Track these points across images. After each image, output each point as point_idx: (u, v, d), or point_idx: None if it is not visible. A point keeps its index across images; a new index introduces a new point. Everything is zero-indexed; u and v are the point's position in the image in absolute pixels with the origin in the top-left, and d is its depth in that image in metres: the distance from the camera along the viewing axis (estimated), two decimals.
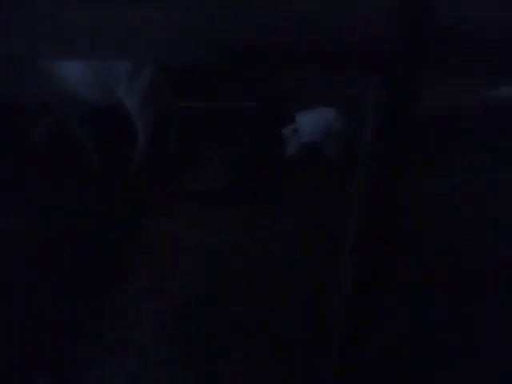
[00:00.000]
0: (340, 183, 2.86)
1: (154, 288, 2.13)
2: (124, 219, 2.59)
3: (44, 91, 2.70)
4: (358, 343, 1.12)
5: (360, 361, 1.14)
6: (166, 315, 1.99)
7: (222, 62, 0.81)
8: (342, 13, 0.71)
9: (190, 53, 0.79)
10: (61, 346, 1.83)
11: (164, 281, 2.17)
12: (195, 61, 1.01)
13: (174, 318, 1.98)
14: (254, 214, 2.65)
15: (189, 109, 3.22)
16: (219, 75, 3.23)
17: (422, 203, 2.49)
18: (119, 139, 3.08)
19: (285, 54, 0.73)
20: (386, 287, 1.13)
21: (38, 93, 2.70)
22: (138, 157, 2.95)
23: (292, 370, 1.75)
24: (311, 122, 3.03)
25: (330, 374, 1.23)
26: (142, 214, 2.63)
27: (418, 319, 1.89)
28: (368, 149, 0.80)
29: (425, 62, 0.70)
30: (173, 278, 2.19)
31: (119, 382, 1.72)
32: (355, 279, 1.02)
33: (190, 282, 2.16)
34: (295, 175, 3.01)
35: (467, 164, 2.89)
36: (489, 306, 1.92)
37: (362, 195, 0.85)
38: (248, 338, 1.87)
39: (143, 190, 2.82)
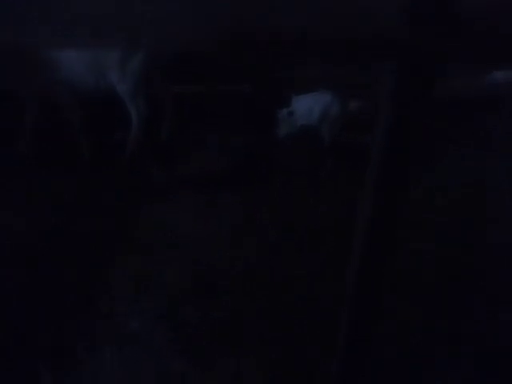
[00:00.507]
0: (338, 169, 2.90)
1: (150, 274, 2.12)
2: (119, 205, 2.57)
3: (36, 77, 2.66)
4: (362, 336, 1.12)
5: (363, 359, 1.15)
6: (162, 302, 1.99)
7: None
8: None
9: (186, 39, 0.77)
10: (58, 337, 1.83)
11: (160, 267, 2.16)
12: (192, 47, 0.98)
13: (170, 304, 1.98)
14: (249, 199, 2.65)
15: (183, 94, 3.18)
16: (217, 59, 3.19)
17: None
18: (113, 126, 3.05)
19: (298, 42, 0.71)
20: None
21: (31, 79, 2.66)
22: (132, 142, 2.92)
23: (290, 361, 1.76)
24: (307, 105, 3.00)
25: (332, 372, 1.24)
26: (137, 200, 2.62)
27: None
28: (380, 135, 0.79)
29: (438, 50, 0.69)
30: (168, 265, 2.18)
31: (117, 371, 1.72)
32: (362, 266, 1.01)
33: (186, 268, 2.16)
34: (291, 160, 3.02)
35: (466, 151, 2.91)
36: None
37: (373, 183, 0.84)
38: (246, 325, 1.88)
39: (138, 175, 2.81)
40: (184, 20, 0.76)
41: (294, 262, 2.20)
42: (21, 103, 2.85)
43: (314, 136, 3.04)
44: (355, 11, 0.72)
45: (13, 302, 1.96)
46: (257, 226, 2.46)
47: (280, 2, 0.75)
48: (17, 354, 1.76)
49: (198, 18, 0.75)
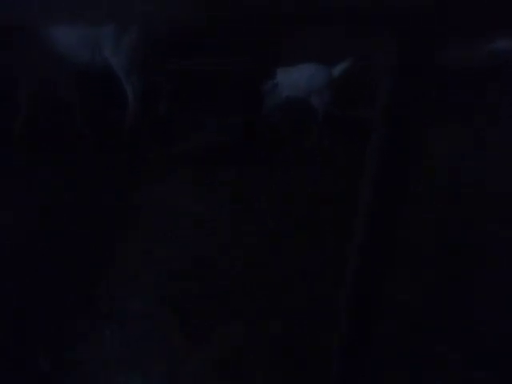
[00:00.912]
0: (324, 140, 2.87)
1: (147, 252, 2.13)
2: (118, 183, 2.57)
3: (31, 54, 2.64)
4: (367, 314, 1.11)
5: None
6: (158, 280, 1.99)
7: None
8: None
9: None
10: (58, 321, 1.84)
11: (156, 246, 2.17)
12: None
13: (165, 282, 1.98)
14: (245, 175, 2.66)
15: (179, 70, 3.12)
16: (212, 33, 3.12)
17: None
18: (110, 103, 3.00)
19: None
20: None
21: (25, 55, 2.64)
22: (128, 119, 2.90)
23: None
24: (291, 76, 2.97)
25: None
26: (135, 178, 2.62)
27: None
28: (382, 111, 0.77)
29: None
30: (165, 243, 2.19)
31: (117, 351, 1.72)
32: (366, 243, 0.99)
33: (182, 247, 2.17)
34: (280, 131, 3.02)
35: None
36: None
37: (375, 162, 0.82)
38: (242, 304, 1.88)
39: (134, 152, 2.80)
40: None
41: (292, 244, 2.20)
42: (15, 80, 2.81)
43: (299, 107, 3.00)
44: None
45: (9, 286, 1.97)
46: (250, 202, 2.46)
47: None
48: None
49: None
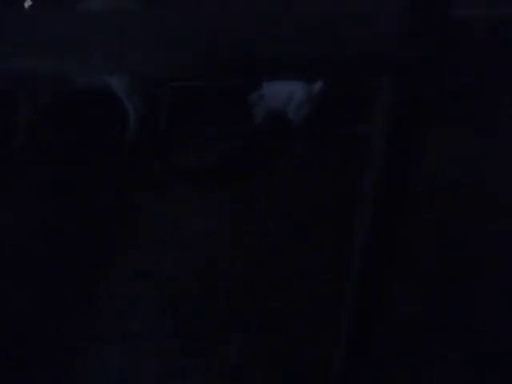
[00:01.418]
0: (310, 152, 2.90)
1: (148, 269, 2.15)
2: (119, 201, 2.59)
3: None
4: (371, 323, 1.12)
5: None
6: (160, 298, 2.01)
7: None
8: (352, 14, 0.70)
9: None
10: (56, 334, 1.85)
11: (157, 263, 2.19)
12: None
13: (167, 300, 2.00)
14: (247, 191, 2.67)
15: (180, 88, 3.16)
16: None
17: None
18: (110, 121, 3.04)
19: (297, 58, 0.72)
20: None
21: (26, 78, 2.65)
22: (129, 137, 2.92)
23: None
24: (274, 88, 2.99)
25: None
26: (137, 195, 2.64)
27: None
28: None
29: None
30: (166, 259, 2.20)
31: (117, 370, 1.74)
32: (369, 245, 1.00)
33: (184, 264, 2.18)
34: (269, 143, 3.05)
35: None
36: None
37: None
38: (245, 323, 1.89)
39: (137, 170, 2.82)
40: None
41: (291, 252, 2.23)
42: (15, 100, 2.84)
43: (282, 119, 3.03)
44: None
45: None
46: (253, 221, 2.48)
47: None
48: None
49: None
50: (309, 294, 1.98)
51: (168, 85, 3.11)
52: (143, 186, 2.70)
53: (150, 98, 2.96)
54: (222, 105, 3.19)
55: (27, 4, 2.65)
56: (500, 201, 2.39)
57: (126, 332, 1.86)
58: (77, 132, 2.94)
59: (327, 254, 2.15)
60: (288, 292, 2.01)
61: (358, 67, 0.74)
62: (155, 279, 2.10)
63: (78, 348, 1.80)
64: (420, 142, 0.86)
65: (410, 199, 0.93)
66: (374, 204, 0.90)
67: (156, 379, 1.70)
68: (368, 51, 0.71)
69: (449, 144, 2.70)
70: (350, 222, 1.03)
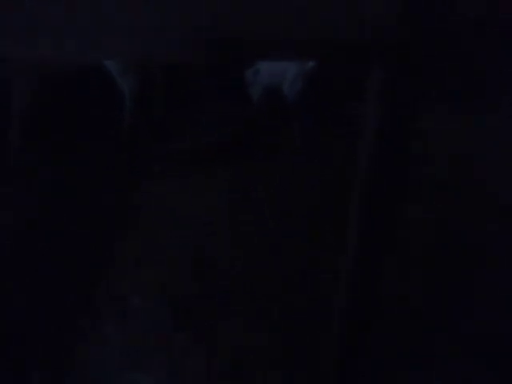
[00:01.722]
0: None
1: (145, 251, 2.16)
2: (114, 182, 2.60)
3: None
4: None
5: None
6: (156, 279, 2.03)
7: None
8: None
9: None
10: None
11: (156, 246, 2.20)
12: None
13: (164, 281, 2.02)
14: (245, 171, 2.68)
15: (174, 67, 3.11)
16: None
17: None
18: (105, 103, 3.00)
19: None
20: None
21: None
22: (126, 118, 2.90)
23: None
24: (269, 64, 2.93)
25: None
26: (134, 178, 2.64)
27: None
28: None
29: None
30: (163, 241, 2.22)
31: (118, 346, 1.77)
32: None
33: (181, 244, 2.20)
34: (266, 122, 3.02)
35: None
36: None
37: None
38: (245, 303, 1.91)
39: (134, 152, 2.81)
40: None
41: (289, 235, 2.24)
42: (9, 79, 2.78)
43: (278, 95, 2.99)
44: None
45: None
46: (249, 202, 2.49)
47: None
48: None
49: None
50: (306, 278, 2.01)
51: (162, 64, 3.05)
52: (141, 169, 2.70)
53: (144, 77, 2.93)
54: (218, 83, 3.15)
55: None
56: None
57: (125, 310, 1.90)
58: (71, 116, 2.91)
59: (327, 236, 2.16)
60: (286, 272, 2.04)
61: (345, 53, 0.73)
62: (154, 262, 2.12)
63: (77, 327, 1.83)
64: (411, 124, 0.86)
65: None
66: (365, 190, 0.91)
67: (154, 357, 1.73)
68: (356, 37, 0.71)
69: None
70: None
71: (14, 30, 0.76)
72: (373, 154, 0.90)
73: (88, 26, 0.73)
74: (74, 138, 2.87)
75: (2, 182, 2.58)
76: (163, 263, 2.11)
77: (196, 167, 2.75)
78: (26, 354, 1.70)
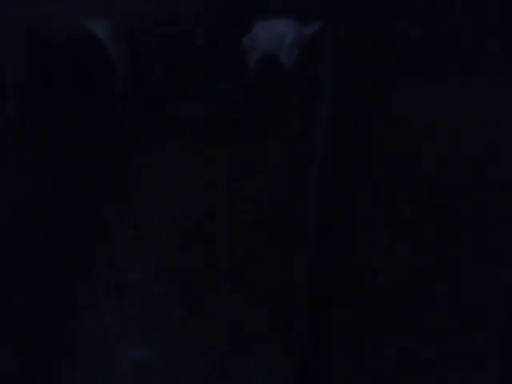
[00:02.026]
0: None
1: (143, 224, 2.16)
2: (111, 155, 2.54)
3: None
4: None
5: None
6: (154, 252, 2.03)
7: None
8: None
9: None
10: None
11: (153, 217, 2.19)
12: None
13: (161, 254, 2.02)
14: (247, 144, 2.63)
15: (170, 34, 2.99)
16: None
17: None
18: (95, 71, 2.90)
19: None
20: None
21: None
22: (118, 88, 2.79)
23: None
24: (267, 30, 2.83)
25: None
26: (129, 148, 2.58)
27: None
28: None
29: None
30: (161, 214, 2.21)
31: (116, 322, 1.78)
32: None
33: (179, 218, 2.19)
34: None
35: None
36: None
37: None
38: (246, 270, 1.94)
39: (128, 122, 2.73)
40: None
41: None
42: None
43: (275, 62, 2.89)
44: None
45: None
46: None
47: None
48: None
49: None
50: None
51: (157, 31, 2.94)
52: (138, 139, 2.64)
53: (137, 44, 2.81)
54: (216, 50, 3.04)
55: None
56: None
57: (124, 283, 1.90)
58: (60, 84, 2.81)
59: None
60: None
61: None
62: (154, 230, 2.12)
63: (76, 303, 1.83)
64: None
65: None
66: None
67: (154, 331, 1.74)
68: None
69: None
70: None
71: None
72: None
73: None
74: (64, 110, 2.75)
75: None
76: (162, 237, 2.10)
77: (193, 139, 2.68)
78: (24, 330, 1.71)
